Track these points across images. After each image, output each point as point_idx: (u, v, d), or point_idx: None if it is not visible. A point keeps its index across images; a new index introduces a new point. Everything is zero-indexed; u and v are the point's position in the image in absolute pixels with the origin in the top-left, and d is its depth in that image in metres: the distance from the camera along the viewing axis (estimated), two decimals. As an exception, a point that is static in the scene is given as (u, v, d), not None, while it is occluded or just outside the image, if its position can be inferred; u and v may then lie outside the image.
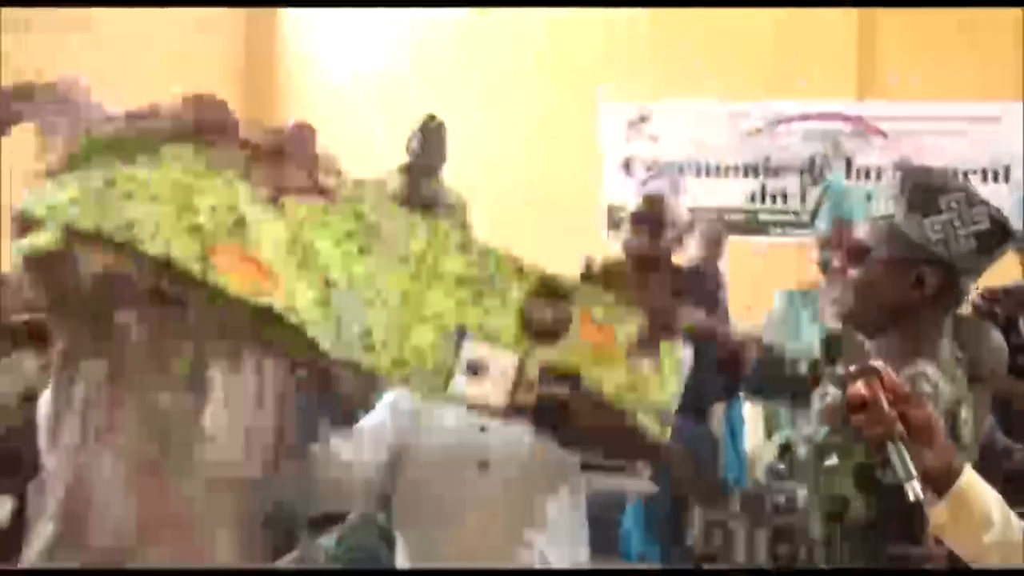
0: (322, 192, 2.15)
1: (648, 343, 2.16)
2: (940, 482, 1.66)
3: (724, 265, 6.21)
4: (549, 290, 2.16)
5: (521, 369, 2.09)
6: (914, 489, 1.60)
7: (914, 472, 1.61)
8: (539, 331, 2.12)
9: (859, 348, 1.76)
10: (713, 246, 6.24)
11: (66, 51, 7.07)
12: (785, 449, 2.24)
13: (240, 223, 2.02)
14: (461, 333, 2.10)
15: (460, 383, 2.09)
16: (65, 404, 2.28)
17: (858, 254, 2.07)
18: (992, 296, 4.26)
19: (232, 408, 2.33)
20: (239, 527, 2.45)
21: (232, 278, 1.98)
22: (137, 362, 2.26)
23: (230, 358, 2.32)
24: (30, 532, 2.35)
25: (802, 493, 2.01)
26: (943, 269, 2.01)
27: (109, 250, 2.00)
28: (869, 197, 2.16)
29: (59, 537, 2.25)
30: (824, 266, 3.88)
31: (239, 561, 2.45)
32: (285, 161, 2.22)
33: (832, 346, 1.78)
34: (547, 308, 2.14)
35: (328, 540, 3.61)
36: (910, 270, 2.01)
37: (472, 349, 2.09)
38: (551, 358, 2.10)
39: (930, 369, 1.99)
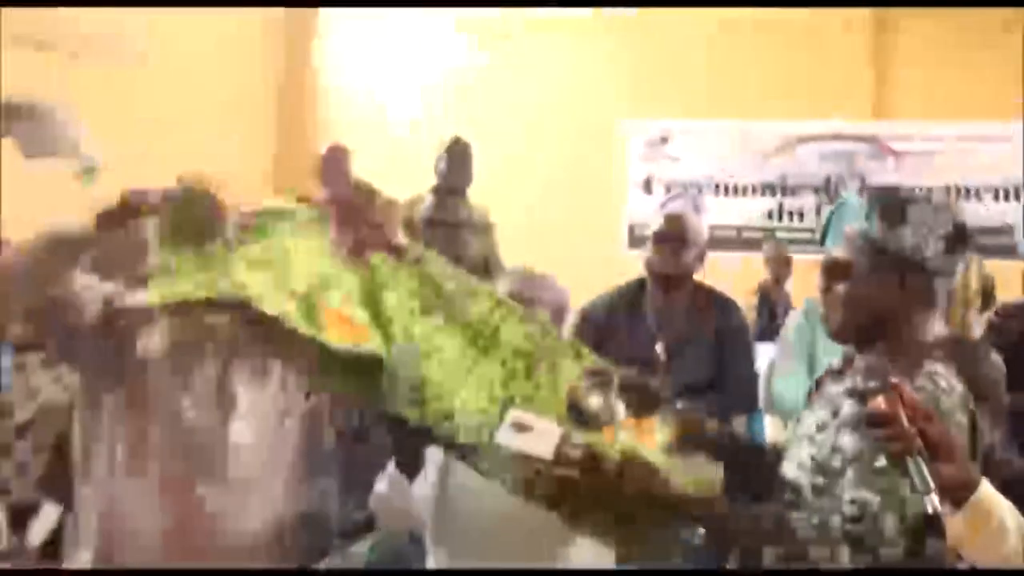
0: (393, 250, 2.20)
1: (682, 448, 2.18)
2: (957, 495, 1.67)
3: (790, 285, 6.21)
4: (600, 380, 2.18)
5: (566, 437, 2.07)
6: (932, 502, 1.62)
7: (932, 485, 1.62)
8: (583, 418, 2.14)
9: (879, 366, 1.78)
10: (781, 266, 6.22)
11: (118, 80, 7.18)
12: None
13: (326, 281, 2.08)
14: (507, 402, 2.11)
15: (506, 434, 2.09)
16: (93, 437, 2.27)
17: (842, 271, 2.14)
18: (1007, 312, 4.25)
19: (256, 423, 2.34)
20: (268, 539, 2.49)
21: (332, 333, 2.05)
22: (160, 383, 2.26)
23: (254, 375, 2.33)
24: (66, 558, 2.39)
25: (871, 498, 2.00)
26: (921, 272, 2.10)
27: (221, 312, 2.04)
28: (817, 192, 2.30)
29: (95, 563, 2.26)
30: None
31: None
32: (361, 218, 2.26)
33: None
34: (594, 396, 2.16)
35: (361, 548, 3.61)
36: (893, 277, 2.10)
37: (517, 416, 2.10)
38: (593, 441, 2.09)
39: (939, 367, 2.05)
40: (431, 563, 2.72)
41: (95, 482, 2.29)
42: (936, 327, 2.18)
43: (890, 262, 2.10)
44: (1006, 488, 1.90)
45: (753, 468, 2.32)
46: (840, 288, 2.15)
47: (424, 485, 2.64)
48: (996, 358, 3.89)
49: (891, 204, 2.15)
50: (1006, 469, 3.52)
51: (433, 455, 2.63)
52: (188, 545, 2.30)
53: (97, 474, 2.29)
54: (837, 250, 2.19)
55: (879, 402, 1.70)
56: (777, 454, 2.29)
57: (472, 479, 2.51)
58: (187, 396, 2.29)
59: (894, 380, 1.73)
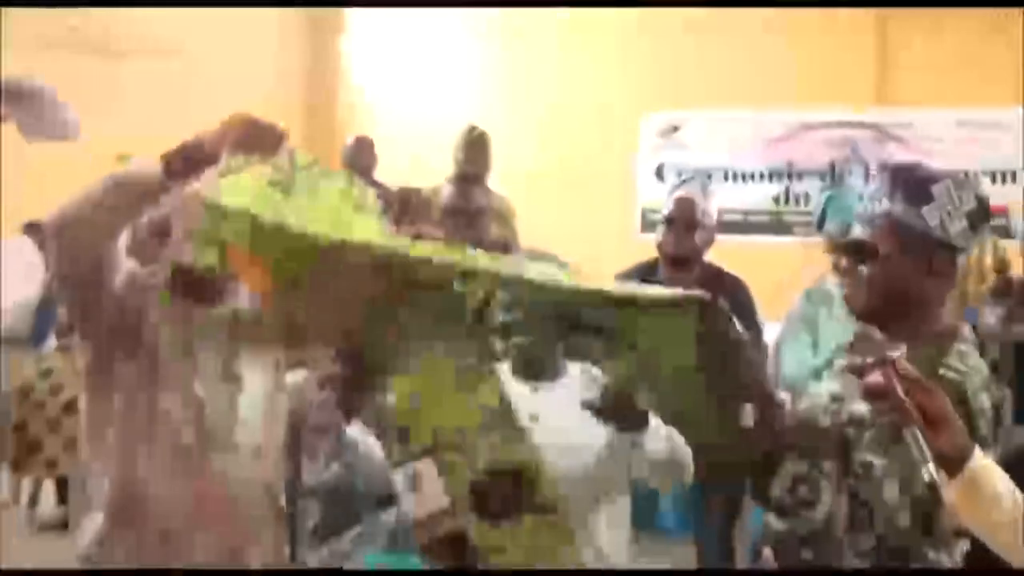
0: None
1: None
2: (953, 464, 1.66)
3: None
4: None
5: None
6: (929, 471, 1.61)
7: (929, 455, 1.62)
8: None
9: (875, 341, 1.76)
10: None
11: (155, 76, 7.21)
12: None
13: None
14: None
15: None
16: (104, 412, 2.29)
17: (869, 253, 2.06)
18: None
19: (256, 395, 2.38)
20: (276, 503, 2.52)
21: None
22: (171, 359, 2.28)
23: (254, 354, 2.37)
24: (76, 526, 2.39)
25: (877, 462, 1.99)
26: (947, 251, 2.02)
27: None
28: (861, 197, 2.16)
29: (111, 527, 2.28)
30: (838, 267, 3.87)
31: (278, 536, 2.50)
32: (422, 216, 2.33)
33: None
34: None
35: (389, 516, 3.63)
36: (920, 258, 2.02)
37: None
38: None
39: (965, 347, 2.01)
40: None
41: (107, 451, 2.32)
42: (950, 305, 2.12)
43: (916, 242, 2.02)
44: (1004, 463, 1.90)
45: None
46: (864, 269, 2.06)
47: None
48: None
49: (915, 183, 2.04)
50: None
51: None
52: (200, 509, 2.33)
53: (109, 444, 2.31)
54: (860, 231, 2.09)
55: (875, 376, 1.69)
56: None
57: None
58: (197, 372, 2.32)
59: (890, 354, 1.71)
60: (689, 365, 2.11)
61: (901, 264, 2.03)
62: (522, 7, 8.12)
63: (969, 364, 1.97)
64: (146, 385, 2.27)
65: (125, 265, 2.27)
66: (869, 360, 1.71)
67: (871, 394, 1.70)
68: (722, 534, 4.02)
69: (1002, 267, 4.16)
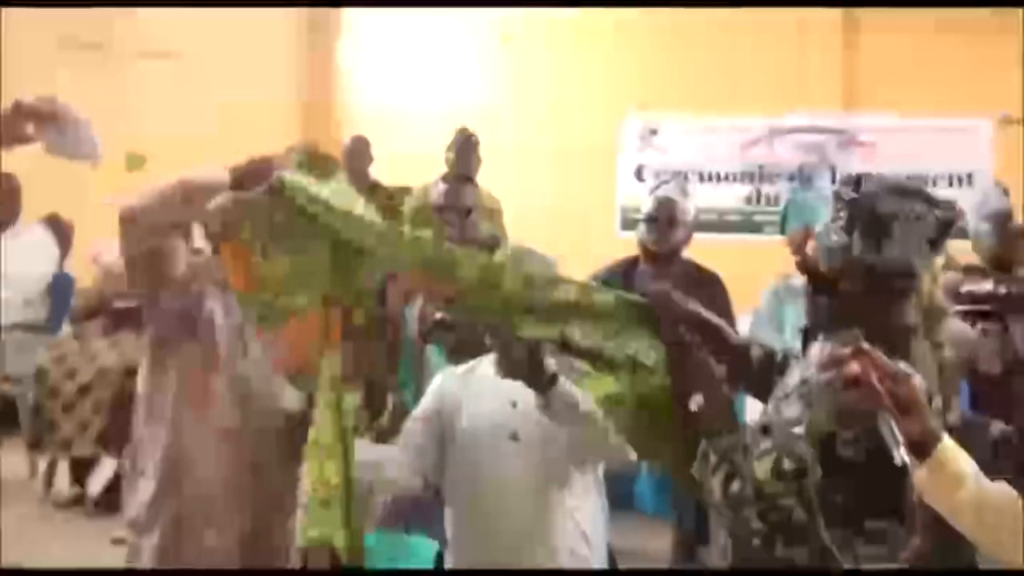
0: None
1: None
2: (922, 448, 1.69)
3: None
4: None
5: None
6: (900, 455, 1.65)
7: (901, 440, 1.65)
8: None
9: (852, 333, 1.78)
10: None
11: (150, 78, 7.19)
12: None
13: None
14: None
15: None
16: (159, 384, 2.38)
17: (829, 286, 2.00)
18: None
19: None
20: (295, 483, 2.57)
21: None
22: (224, 343, 2.38)
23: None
24: (128, 489, 2.45)
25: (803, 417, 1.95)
26: (906, 277, 1.96)
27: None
28: (823, 200, 2.06)
29: (158, 492, 2.36)
30: (800, 266, 3.90)
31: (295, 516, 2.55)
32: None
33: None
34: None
35: (383, 496, 3.64)
36: (881, 291, 1.95)
37: None
38: None
39: (901, 364, 1.91)
40: (447, 518, 2.67)
41: (160, 421, 2.38)
42: (911, 314, 2.02)
43: (875, 276, 1.94)
44: (992, 451, 1.91)
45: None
46: (823, 299, 2.01)
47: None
48: (962, 325, 3.92)
49: (873, 219, 1.93)
50: (987, 434, 3.54)
51: (433, 423, 2.62)
52: (239, 473, 2.38)
53: (163, 415, 2.37)
54: (820, 258, 2.01)
55: (852, 365, 1.71)
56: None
57: (472, 433, 2.54)
58: (246, 354, 2.38)
59: (865, 345, 1.74)
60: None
61: (860, 298, 1.96)
62: (519, 7, 8.13)
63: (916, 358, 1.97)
64: (199, 364, 2.35)
65: (186, 254, 2.37)
66: (845, 351, 1.74)
67: (848, 383, 1.72)
68: (698, 514, 4.07)
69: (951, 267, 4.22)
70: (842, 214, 1.96)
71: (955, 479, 1.70)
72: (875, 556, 1.95)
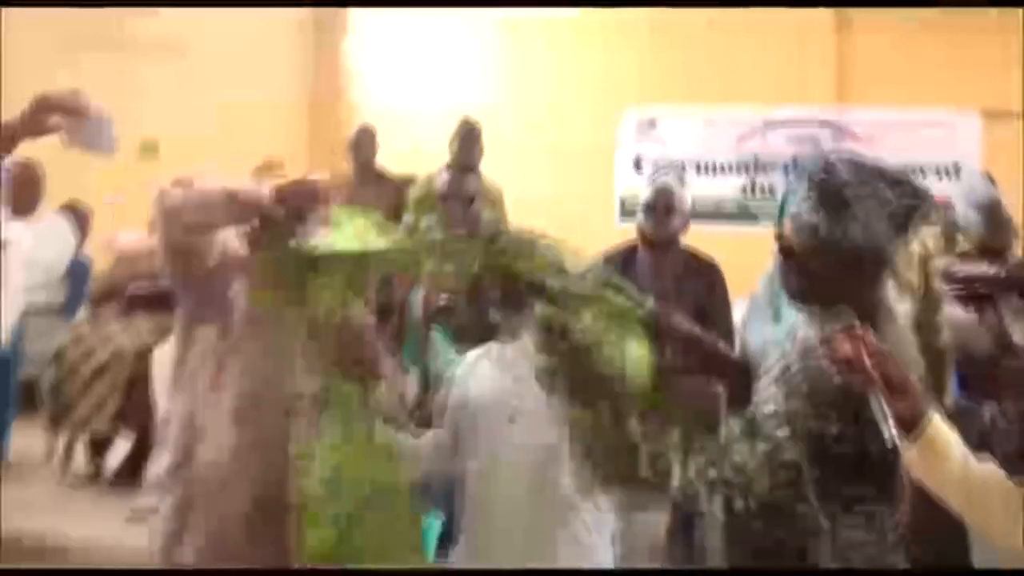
0: None
1: None
2: (911, 426, 1.71)
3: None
4: None
5: None
6: (891, 433, 1.67)
7: (891, 418, 1.67)
8: None
9: (845, 313, 1.79)
10: None
11: (156, 72, 7.21)
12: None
13: None
14: None
15: None
16: (183, 361, 2.45)
17: (797, 261, 1.98)
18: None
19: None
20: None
21: None
22: (242, 326, 2.42)
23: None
24: (151, 459, 2.52)
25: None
26: (873, 253, 1.92)
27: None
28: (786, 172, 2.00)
29: (176, 459, 2.42)
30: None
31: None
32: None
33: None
34: None
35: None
36: (846, 266, 1.93)
37: None
38: None
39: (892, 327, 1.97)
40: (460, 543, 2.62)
41: (181, 396, 2.44)
42: (882, 290, 1.99)
43: (841, 251, 1.91)
44: (981, 437, 1.92)
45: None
46: (796, 273, 1.98)
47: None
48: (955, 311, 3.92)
49: (835, 194, 1.91)
50: (979, 421, 3.54)
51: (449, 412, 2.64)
52: (251, 446, 2.43)
53: (184, 390, 2.43)
54: (792, 237, 1.98)
55: (844, 345, 1.73)
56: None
57: (485, 466, 2.54)
58: (261, 341, 2.43)
59: (856, 325, 1.76)
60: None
61: (828, 272, 1.94)
62: (520, 7, 8.15)
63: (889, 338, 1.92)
64: (219, 345, 2.41)
65: (218, 248, 2.42)
66: (838, 332, 1.76)
67: (840, 363, 1.74)
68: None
69: (926, 260, 4.22)
70: (811, 194, 1.94)
71: (943, 456, 1.72)
72: (863, 541, 1.96)
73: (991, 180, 4.65)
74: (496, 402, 2.54)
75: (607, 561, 2.57)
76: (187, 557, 2.40)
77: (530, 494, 2.47)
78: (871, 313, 1.92)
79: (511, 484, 2.48)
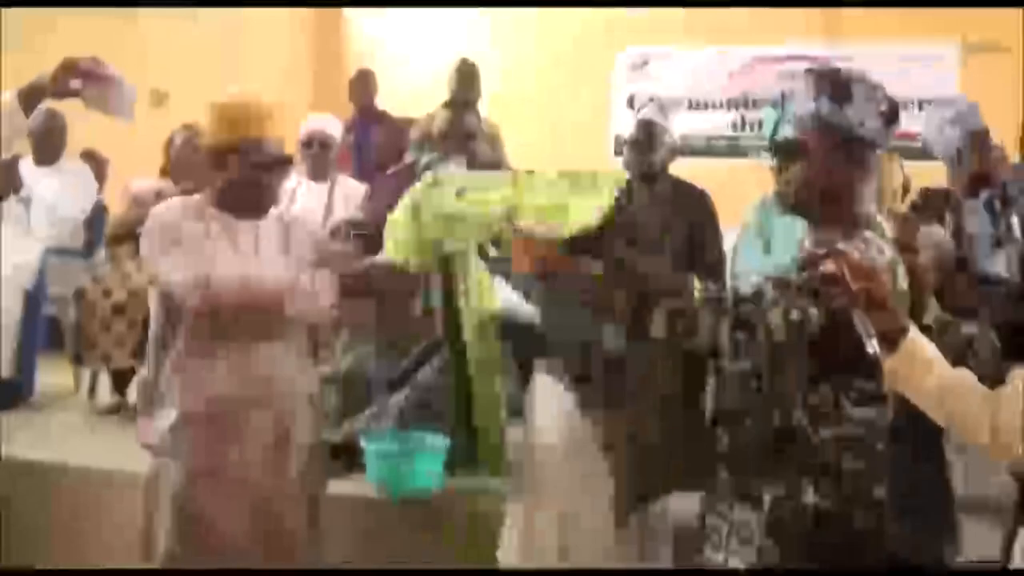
0: None
1: None
2: (892, 339, 1.75)
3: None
4: None
5: None
6: (872, 346, 1.71)
7: (872, 332, 1.71)
8: None
9: (827, 236, 1.86)
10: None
11: (169, 39, 7.12)
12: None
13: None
14: None
15: None
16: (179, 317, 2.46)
17: (799, 149, 2.06)
18: (927, 195, 4.28)
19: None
20: (311, 390, 2.64)
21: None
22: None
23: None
24: (156, 416, 2.51)
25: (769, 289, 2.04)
26: (863, 144, 2.04)
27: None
28: (775, 106, 2.15)
29: (179, 420, 2.45)
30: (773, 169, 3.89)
31: (315, 417, 2.62)
32: None
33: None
34: None
35: (399, 399, 3.71)
36: (843, 151, 2.03)
37: None
38: None
39: (868, 233, 2.04)
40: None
41: (172, 359, 2.44)
42: (871, 199, 2.11)
43: (840, 137, 2.02)
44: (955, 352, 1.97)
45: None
46: (794, 167, 2.06)
47: None
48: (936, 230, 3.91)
49: (838, 85, 2.03)
50: (950, 336, 3.56)
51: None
52: (256, 384, 2.44)
53: (179, 347, 2.43)
54: (789, 129, 2.08)
55: (828, 265, 1.76)
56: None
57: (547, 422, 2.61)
58: None
59: (840, 247, 1.79)
60: None
61: (827, 157, 2.04)
62: (519, 7, 8.03)
63: (873, 247, 2.00)
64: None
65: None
66: (821, 251, 1.80)
67: (824, 281, 1.77)
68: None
69: (906, 186, 4.19)
70: (817, 84, 2.05)
71: (922, 368, 1.76)
72: (863, 418, 2.01)
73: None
74: None
75: None
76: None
77: None
78: (856, 206, 2.03)
79: None
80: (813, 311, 1.94)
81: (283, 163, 2.51)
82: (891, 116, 2.04)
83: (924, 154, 4.66)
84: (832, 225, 2.01)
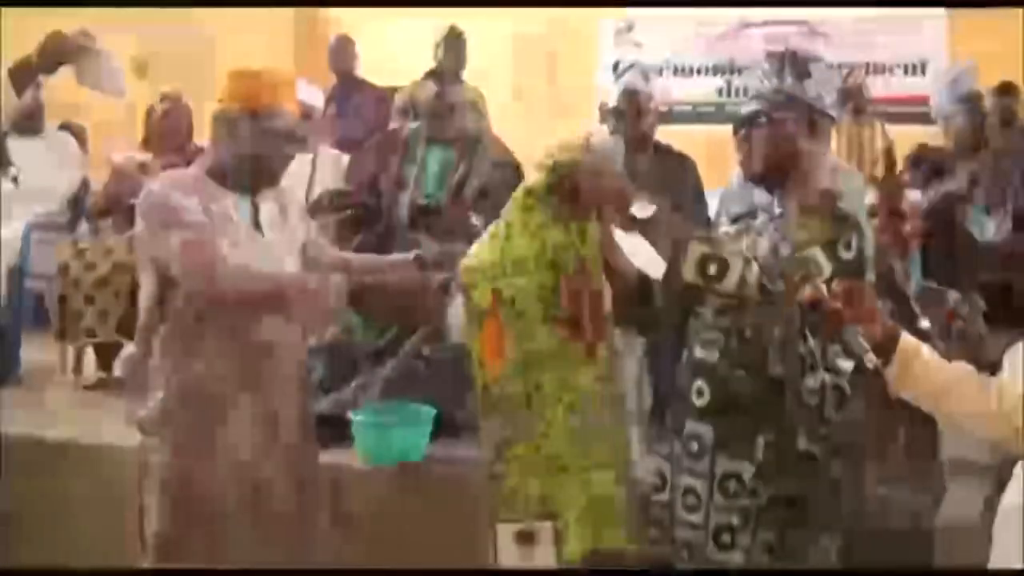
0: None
1: None
2: (886, 349, 1.75)
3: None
4: None
5: None
6: (870, 359, 1.72)
7: (867, 347, 1.72)
8: None
9: (806, 260, 1.92)
10: None
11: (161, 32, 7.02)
12: None
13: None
14: None
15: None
16: (173, 296, 2.38)
17: (761, 119, 2.23)
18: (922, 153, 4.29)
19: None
20: (303, 363, 2.60)
21: None
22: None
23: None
24: (149, 397, 2.45)
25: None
26: (824, 119, 2.24)
27: None
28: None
29: (168, 402, 2.40)
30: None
31: (304, 393, 2.57)
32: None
33: None
34: None
35: (385, 370, 3.70)
36: (802, 122, 2.21)
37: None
38: None
39: (843, 205, 2.13)
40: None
41: (170, 333, 2.39)
42: (827, 165, 2.24)
43: (800, 109, 2.21)
44: (896, 294, 1.98)
45: None
46: (757, 133, 2.24)
47: None
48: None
49: (799, 63, 2.25)
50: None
51: None
52: (254, 366, 2.39)
53: (170, 326, 2.38)
54: (753, 104, 2.29)
55: (806, 292, 1.79)
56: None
57: None
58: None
59: (812, 274, 1.86)
60: None
61: (787, 127, 2.21)
62: (518, 7, 7.90)
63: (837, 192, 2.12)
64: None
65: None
66: (796, 278, 1.86)
67: (807, 306, 1.80)
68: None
69: (890, 151, 4.18)
70: (777, 64, 2.27)
71: (922, 371, 1.77)
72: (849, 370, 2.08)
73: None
74: None
75: None
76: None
77: None
78: (812, 176, 2.17)
79: None
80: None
81: (295, 139, 2.40)
82: (844, 94, 2.25)
83: (915, 118, 4.64)
84: (789, 193, 2.15)
